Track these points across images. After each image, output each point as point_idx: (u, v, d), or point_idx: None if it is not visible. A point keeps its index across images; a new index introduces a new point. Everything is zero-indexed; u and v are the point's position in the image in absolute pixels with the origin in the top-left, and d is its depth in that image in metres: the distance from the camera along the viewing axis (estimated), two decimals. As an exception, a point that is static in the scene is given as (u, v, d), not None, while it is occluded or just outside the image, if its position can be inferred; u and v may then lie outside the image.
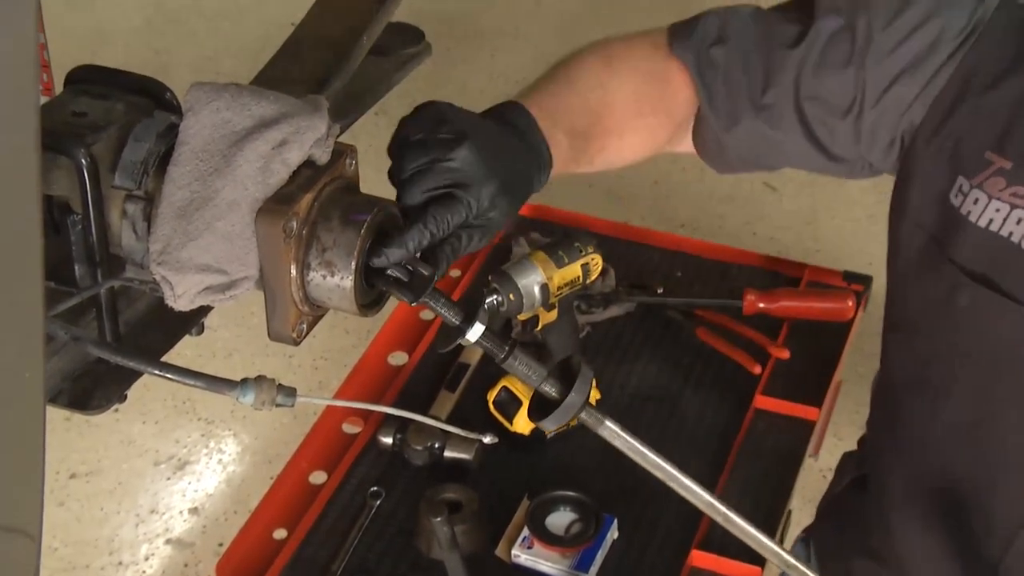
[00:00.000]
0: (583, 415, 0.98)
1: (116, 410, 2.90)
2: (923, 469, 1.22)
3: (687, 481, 1.01)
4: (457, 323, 0.95)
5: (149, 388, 2.68)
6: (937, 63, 1.09)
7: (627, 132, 1.17)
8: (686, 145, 1.25)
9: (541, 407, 0.98)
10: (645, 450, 1.00)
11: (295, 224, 0.88)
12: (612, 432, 1.00)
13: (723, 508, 1.04)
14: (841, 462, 1.49)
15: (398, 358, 1.68)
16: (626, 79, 1.17)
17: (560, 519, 1.41)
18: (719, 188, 3.22)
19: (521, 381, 0.98)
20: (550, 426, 0.97)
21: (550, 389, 0.97)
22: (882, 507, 1.29)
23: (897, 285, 1.20)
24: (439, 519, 1.35)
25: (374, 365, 1.67)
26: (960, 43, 1.08)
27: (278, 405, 0.90)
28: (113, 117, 0.91)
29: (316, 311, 0.94)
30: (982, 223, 1.06)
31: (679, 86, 1.19)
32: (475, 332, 0.95)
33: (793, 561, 1.05)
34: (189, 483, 2.59)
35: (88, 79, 0.95)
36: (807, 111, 1.15)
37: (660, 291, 1.73)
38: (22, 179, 0.56)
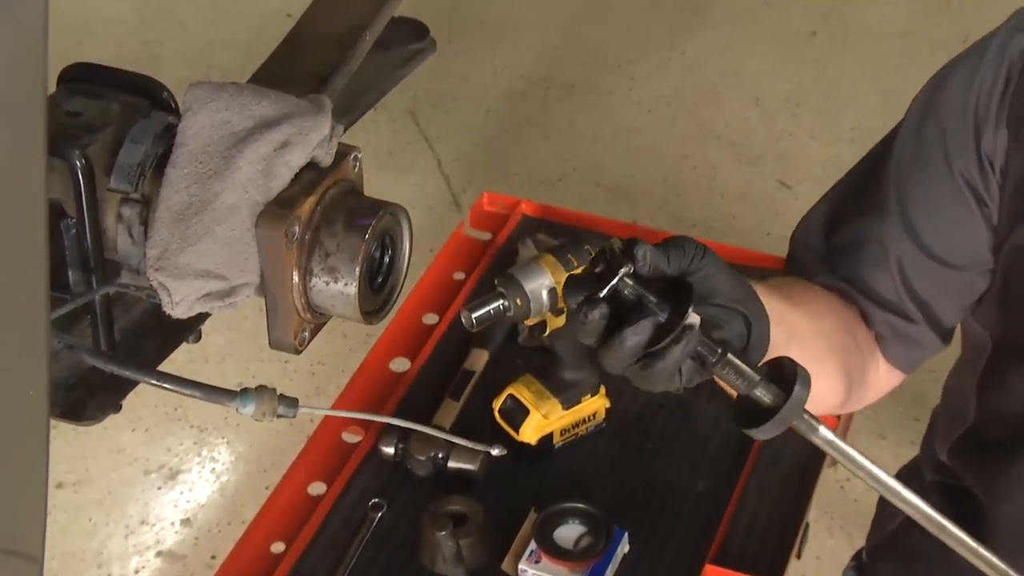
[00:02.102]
0: (797, 423, 0.90)
1: (105, 417, 2.84)
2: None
3: (908, 495, 0.94)
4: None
5: (139, 394, 2.64)
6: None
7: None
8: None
9: (751, 414, 0.90)
10: (861, 459, 0.92)
11: (297, 229, 0.89)
12: (826, 441, 0.92)
13: (952, 527, 0.96)
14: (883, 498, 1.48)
15: (400, 364, 1.69)
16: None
17: (569, 532, 1.42)
18: (732, 187, 3.23)
19: (730, 386, 0.90)
20: (765, 436, 0.90)
21: (763, 395, 0.89)
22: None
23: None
24: (443, 532, 1.35)
25: (375, 372, 1.67)
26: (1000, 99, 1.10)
27: (279, 416, 0.90)
28: (109, 117, 0.91)
29: (319, 318, 0.94)
30: None
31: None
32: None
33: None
34: (181, 493, 2.59)
35: (82, 77, 0.95)
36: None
37: (672, 295, 1.72)
38: (29, 183, 0.56)
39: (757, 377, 0.89)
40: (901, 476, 1.42)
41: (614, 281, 0.87)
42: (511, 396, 1.52)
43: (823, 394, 1.15)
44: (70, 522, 2.52)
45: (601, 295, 0.87)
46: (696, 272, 0.90)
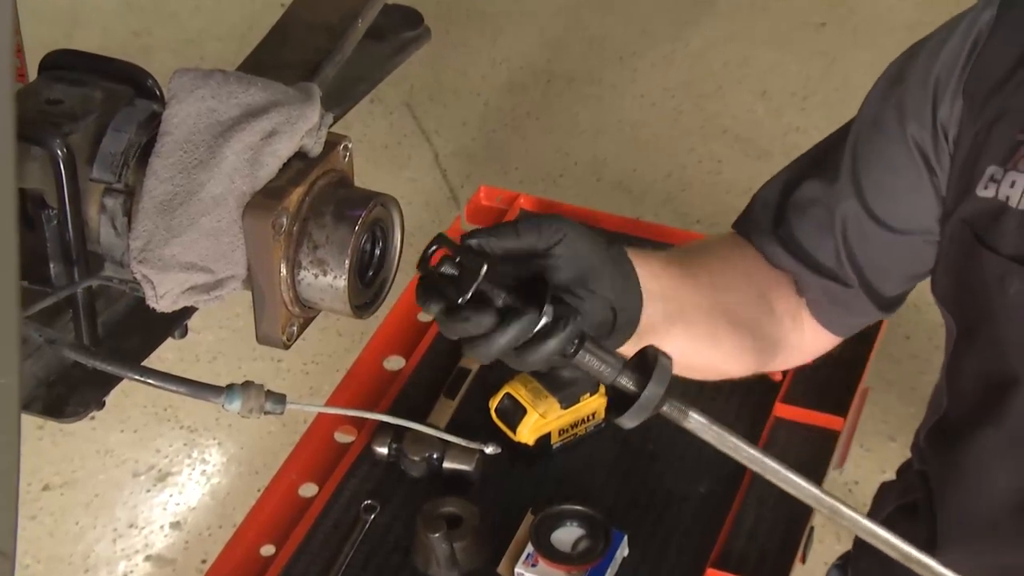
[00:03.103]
0: (665, 408, 0.93)
1: (92, 418, 2.89)
2: (987, 501, 1.21)
3: (791, 475, 0.95)
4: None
5: (128, 394, 2.68)
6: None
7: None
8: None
9: (619, 403, 0.94)
10: (739, 442, 0.95)
11: (285, 220, 0.89)
12: (700, 425, 0.94)
13: (836, 503, 0.97)
14: (879, 494, 1.49)
15: (394, 362, 1.69)
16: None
17: (567, 535, 1.42)
18: (738, 181, 3.23)
19: (593, 376, 0.93)
20: (630, 423, 0.93)
21: (627, 382, 0.93)
22: (936, 540, 1.27)
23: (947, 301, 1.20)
24: (437, 535, 1.35)
25: (369, 370, 1.67)
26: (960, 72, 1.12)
27: (266, 413, 0.90)
28: (91, 105, 0.91)
29: (307, 312, 0.94)
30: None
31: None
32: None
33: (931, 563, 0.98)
34: (170, 496, 2.59)
35: (64, 64, 0.95)
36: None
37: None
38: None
39: (619, 366, 0.92)
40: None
41: (474, 285, 0.90)
42: (508, 395, 1.52)
43: (722, 366, 1.20)
44: (56, 525, 2.52)
45: (462, 301, 0.91)
46: (555, 255, 0.95)
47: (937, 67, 1.13)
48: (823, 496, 0.96)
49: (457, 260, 0.92)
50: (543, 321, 0.91)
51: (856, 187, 1.18)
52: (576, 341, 0.92)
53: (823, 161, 1.23)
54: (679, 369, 0.97)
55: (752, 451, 0.95)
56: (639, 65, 3.64)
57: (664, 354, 0.93)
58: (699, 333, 1.15)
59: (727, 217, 3.53)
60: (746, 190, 3.49)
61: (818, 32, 3.73)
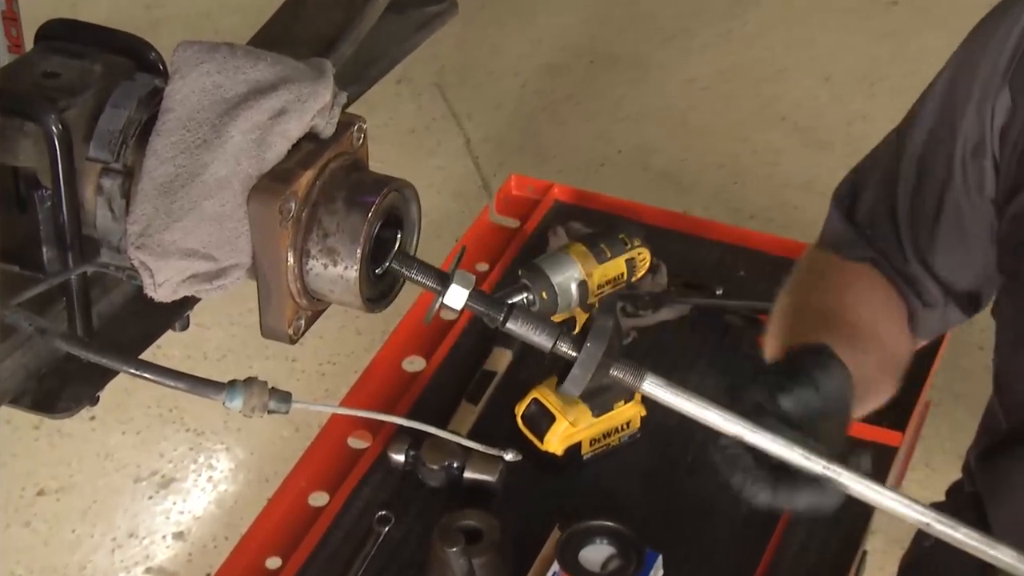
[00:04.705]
0: (615, 372, 0.95)
1: (92, 418, 2.92)
2: None
3: (762, 437, 0.96)
4: (435, 287, 0.94)
5: (130, 393, 2.71)
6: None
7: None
8: None
9: (563, 374, 0.96)
10: (704, 405, 0.96)
11: (293, 205, 0.90)
12: (656, 386, 0.96)
13: (827, 463, 0.98)
14: None
15: (414, 363, 1.70)
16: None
17: (596, 553, 1.42)
18: (796, 175, 3.22)
19: (532, 344, 0.96)
20: (571, 389, 0.95)
21: (567, 348, 0.95)
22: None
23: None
24: (455, 549, 1.36)
25: (386, 371, 1.69)
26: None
27: (270, 411, 0.92)
28: (89, 79, 0.93)
29: (316, 305, 0.96)
30: None
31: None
32: (456, 296, 0.94)
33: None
34: (174, 503, 2.62)
35: (62, 35, 0.97)
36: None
37: (719, 292, 1.73)
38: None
39: (557, 329, 0.95)
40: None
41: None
42: (536, 400, 1.53)
43: (880, 399, 1.28)
44: (51, 533, 2.56)
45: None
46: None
47: (989, 58, 1.17)
48: (811, 457, 0.97)
49: None
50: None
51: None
52: (504, 310, 0.94)
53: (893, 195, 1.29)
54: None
55: (719, 412, 0.96)
56: (691, 45, 3.64)
57: (605, 315, 0.95)
58: (881, 389, 1.26)
59: (783, 212, 3.50)
60: (804, 183, 3.47)
61: (888, 11, 3.72)
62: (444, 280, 0.94)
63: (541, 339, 0.96)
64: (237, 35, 1.25)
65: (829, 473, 0.97)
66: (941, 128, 1.23)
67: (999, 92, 1.16)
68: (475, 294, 0.95)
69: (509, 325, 0.95)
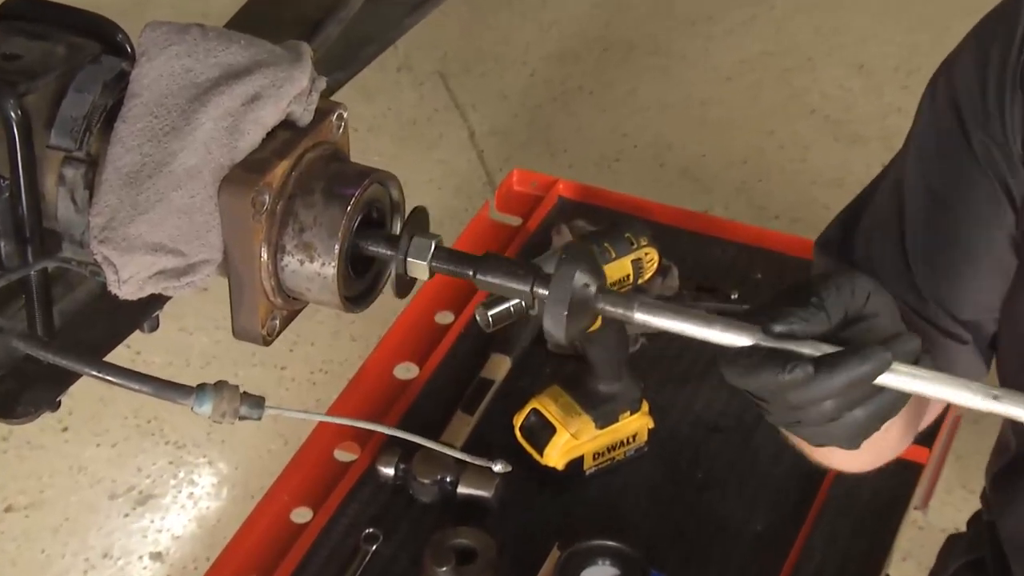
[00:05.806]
0: (602, 305, 0.92)
1: (64, 429, 2.93)
2: None
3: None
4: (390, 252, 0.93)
5: (106, 403, 2.72)
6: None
7: None
8: None
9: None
10: (705, 321, 0.90)
11: (267, 197, 0.91)
12: (649, 309, 0.91)
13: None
14: (944, 548, 1.50)
15: (406, 370, 1.71)
16: None
17: (598, 575, 1.43)
18: (826, 171, 3.22)
19: (510, 297, 0.93)
20: (552, 328, 0.90)
21: (543, 289, 0.91)
22: None
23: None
24: (444, 569, 1.37)
25: (376, 378, 1.70)
26: None
27: (242, 417, 0.92)
28: (52, 62, 0.93)
29: (292, 304, 0.96)
30: None
31: None
32: (419, 268, 0.93)
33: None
34: (152, 522, 2.63)
35: (25, 14, 0.97)
36: None
37: (734, 296, 1.74)
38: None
39: (532, 275, 0.92)
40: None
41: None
42: (535, 411, 1.54)
43: (893, 447, 1.26)
44: (19, 552, 2.56)
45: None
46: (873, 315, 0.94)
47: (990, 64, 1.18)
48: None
49: None
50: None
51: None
52: (475, 263, 0.92)
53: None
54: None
55: (724, 325, 0.91)
56: (713, 31, 3.64)
57: (564, 256, 0.91)
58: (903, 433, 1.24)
59: (811, 211, 3.50)
60: (834, 180, 3.47)
61: (926, -3, 3.72)
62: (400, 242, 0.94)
63: (519, 285, 0.92)
64: (228, 17, 1.25)
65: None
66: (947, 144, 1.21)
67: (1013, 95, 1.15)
68: (442, 253, 0.93)
69: (480, 276, 0.92)
